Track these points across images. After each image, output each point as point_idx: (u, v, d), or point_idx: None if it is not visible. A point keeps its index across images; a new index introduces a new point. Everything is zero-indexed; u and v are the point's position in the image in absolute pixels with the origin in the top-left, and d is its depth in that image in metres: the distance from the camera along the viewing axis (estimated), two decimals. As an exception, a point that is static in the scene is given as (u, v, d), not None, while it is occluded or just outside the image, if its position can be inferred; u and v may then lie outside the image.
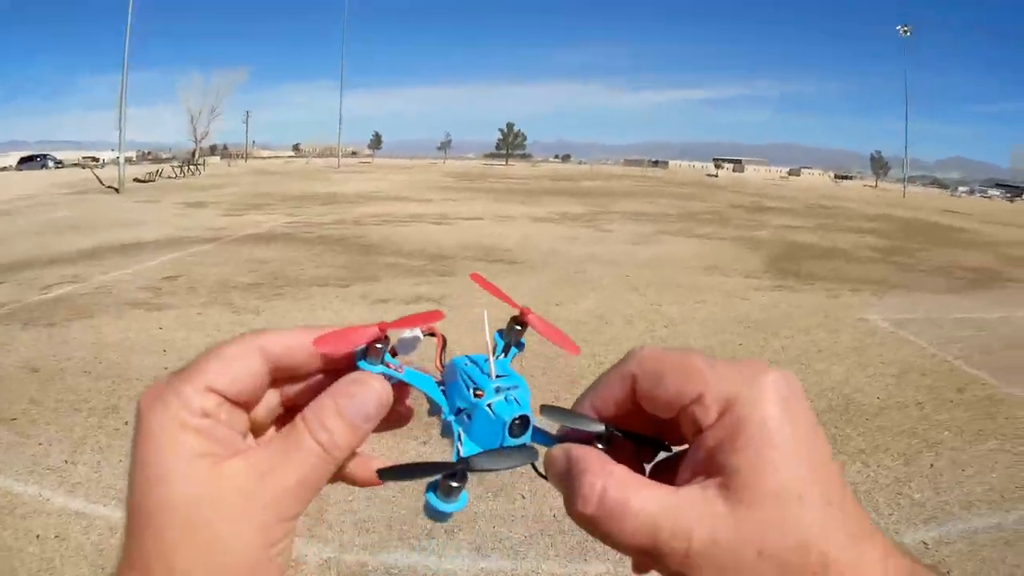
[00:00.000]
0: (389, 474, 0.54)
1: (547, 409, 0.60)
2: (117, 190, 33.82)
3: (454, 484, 0.54)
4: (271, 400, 0.61)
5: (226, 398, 0.56)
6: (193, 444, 0.53)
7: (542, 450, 0.58)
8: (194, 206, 25.81)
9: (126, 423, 5.83)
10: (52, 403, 6.33)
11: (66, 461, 5.22)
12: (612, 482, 0.50)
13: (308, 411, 0.56)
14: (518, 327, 0.66)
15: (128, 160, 42.67)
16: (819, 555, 0.46)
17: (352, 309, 10.07)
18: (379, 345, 0.58)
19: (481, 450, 0.57)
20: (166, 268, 12.87)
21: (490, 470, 0.55)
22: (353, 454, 0.58)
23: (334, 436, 0.55)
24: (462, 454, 0.56)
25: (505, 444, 0.57)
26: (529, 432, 0.58)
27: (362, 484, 0.62)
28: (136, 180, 41.57)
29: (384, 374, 0.58)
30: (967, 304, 12.44)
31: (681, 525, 0.47)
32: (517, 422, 0.57)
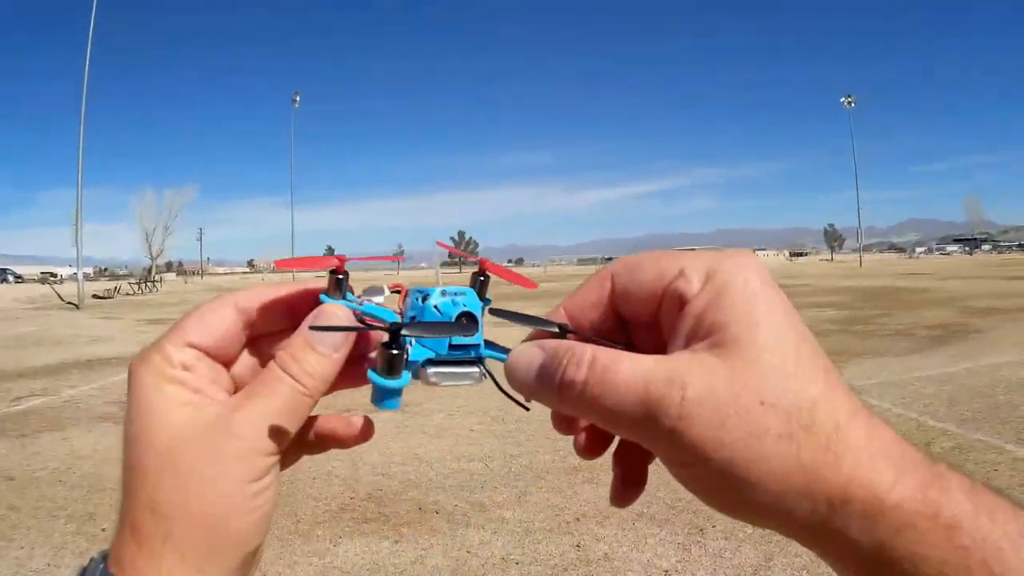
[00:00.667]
0: (322, 329, 0.57)
1: (496, 311, 0.63)
2: (77, 306, 33.69)
3: (394, 353, 0.56)
4: (251, 360, 0.64)
5: (205, 352, 0.59)
6: (174, 394, 0.56)
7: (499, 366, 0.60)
8: (155, 323, 25.59)
9: (103, 529, 5.85)
10: (31, 509, 6.31)
11: (49, 564, 5.21)
12: (600, 350, 0.50)
13: (280, 351, 0.59)
14: (481, 279, 0.67)
15: (86, 276, 42.33)
16: (828, 415, 0.45)
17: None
18: (340, 276, 0.61)
19: (432, 352, 0.59)
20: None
21: (421, 335, 0.57)
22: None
23: (304, 366, 0.57)
24: (409, 358, 0.58)
25: (453, 342, 0.59)
26: (480, 336, 0.61)
27: (349, 442, 0.66)
28: (95, 296, 41.85)
29: (353, 310, 0.61)
30: (931, 361, 12.49)
31: (675, 377, 0.46)
32: (464, 320, 0.60)
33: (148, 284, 57.73)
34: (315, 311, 0.60)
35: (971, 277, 37.01)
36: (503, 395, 0.60)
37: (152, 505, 0.53)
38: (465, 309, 0.61)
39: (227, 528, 0.54)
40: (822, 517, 0.45)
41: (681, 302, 0.51)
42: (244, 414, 0.55)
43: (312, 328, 0.58)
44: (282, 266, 0.65)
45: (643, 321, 0.56)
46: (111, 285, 53.26)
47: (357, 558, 5.39)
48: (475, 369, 0.62)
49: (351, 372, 0.62)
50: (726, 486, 0.46)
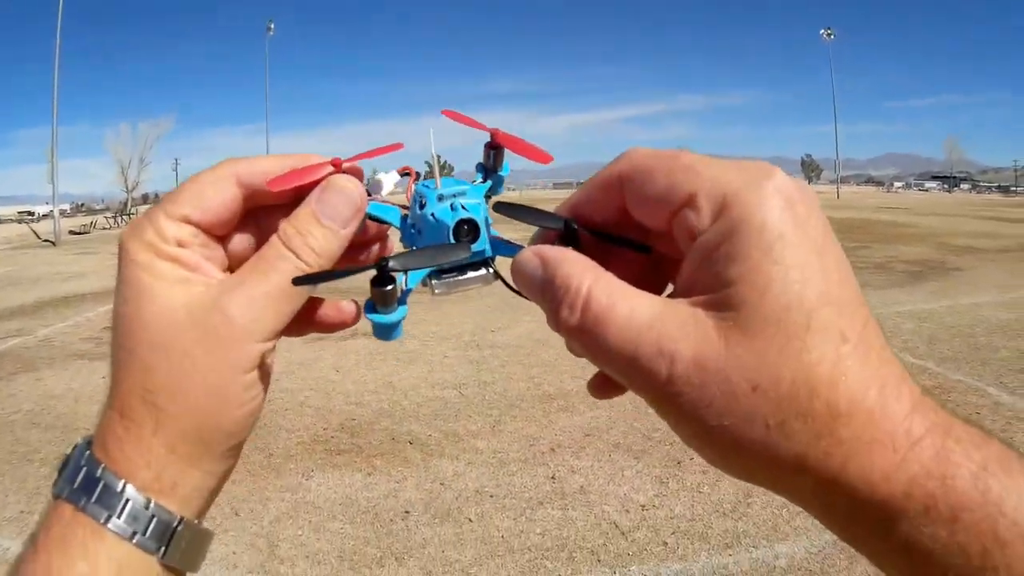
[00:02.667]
0: (306, 280, 0.52)
1: (501, 206, 0.59)
2: (54, 243, 33.58)
3: (386, 288, 0.52)
4: (249, 235, 0.59)
5: (200, 227, 0.54)
6: (167, 270, 0.52)
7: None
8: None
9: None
10: (4, 454, 6.24)
11: (22, 511, 5.13)
12: (599, 285, 0.45)
13: (282, 224, 0.54)
14: (493, 151, 0.62)
15: (62, 213, 42.27)
16: (825, 404, 0.40)
17: (292, 342, 9.94)
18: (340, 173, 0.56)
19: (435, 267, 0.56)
20: (107, 318, 12.56)
21: (411, 266, 0.53)
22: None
23: (308, 240, 0.53)
24: (408, 285, 0.56)
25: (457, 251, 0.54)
26: (484, 240, 0.55)
27: (336, 325, 0.62)
28: (72, 232, 41.48)
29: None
30: (910, 297, 12.53)
31: (665, 343, 0.42)
32: (465, 227, 0.54)
33: (124, 217, 57.47)
34: (323, 183, 0.56)
35: (950, 215, 37.00)
36: (514, 292, 0.55)
37: (143, 392, 0.50)
38: (465, 215, 0.54)
39: (219, 419, 0.52)
40: (810, 498, 0.42)
41: (691, 235, 0.44)
42: (241, 296, 0.52)
43: (319, 203, 0.54)
44: (277, 187, 0.54)
45: (657, 230, 0.49)
46: (88, 220, 53.26)
47: (330, 492, 5.35)
48: (482, 271, 0.58)
49: (354, 257, 0.61)
50: (716, 458, 0.44)
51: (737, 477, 0.44)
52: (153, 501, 0.50)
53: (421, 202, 0.57)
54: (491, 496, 5.22)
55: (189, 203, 0.54)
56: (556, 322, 0.47)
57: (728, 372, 0.41)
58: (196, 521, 0.53)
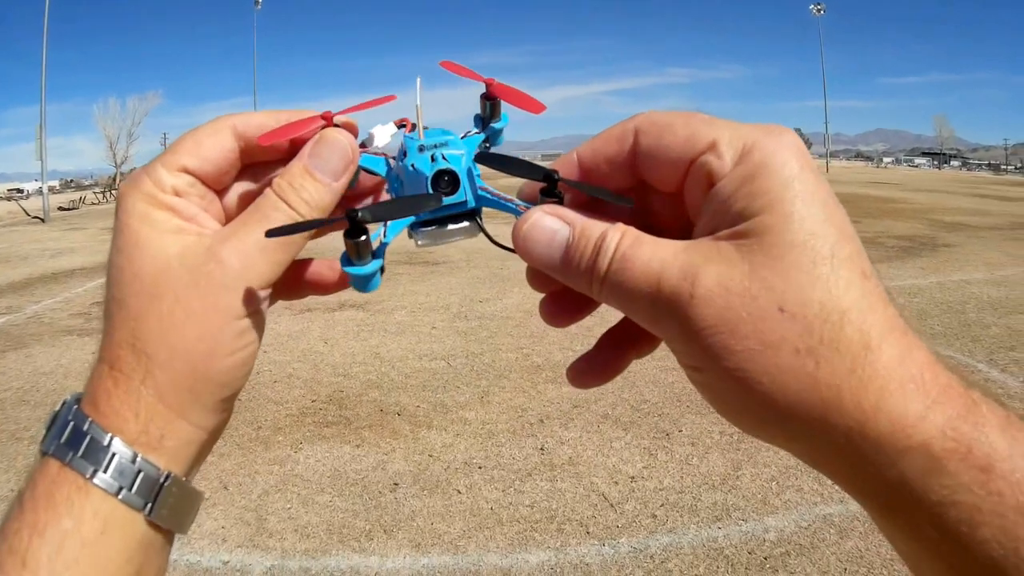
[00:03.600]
0: (279, 232, 0.51)
1: (483, 156, 0.57)
2: (43, 220, 33.30)
3: (359, 240, 0.51)
4: (245, 189, 0.59)
5: (199, 178, 0.54)
6: (162, 219, 0.52)
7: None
8: (119, 229, 25.35)
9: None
10: (-6, 433, 6.22)
11: (12, 490, 5.04)
12: (625, 236, 0.46)
13: (276, 178, 0.54)
14: (490, 102, 0.61)
15: (51, 189, 42.20)
16: (858, 332, 0.40)
17: (279, 314, 9.93)
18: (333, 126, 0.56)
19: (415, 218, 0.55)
20: (95, 294, 12.59)
21: (380, 217, 0.52)
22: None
23: (301, 193, 0.53)
24: (385, 238, 0.55)
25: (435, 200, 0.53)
26: (465, 191, 0.55)
27: (331, 285, 0.61)
28: (61, 208, 41.11)
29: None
30: (900, 272, 12.59)
31: (688, 268, 0.42)
32: (445, 178, 0.54)
33: (113, 192, 56.63)
34: (315, 136, 0.55)
35: (940, 191, 37.15)
36: (496, 246, 0.56)
37: (133, 340, 0.49)
38: (444, 166, 0.54)
39: (210, 367, 0.50)
40: (841, 448, 0.40)
41: (710, 179, 0.45)
42: (235, 243, 0.51)
43: (311, 156, 0.54)
44: (268, 141, 0.55)
45: (664, 189, 0.50)
46: (76, 196, 53.10)
47: (318, 464, 5.36)
48: (465, 223, 0.56)
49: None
50: (735, 398, 0.42)
51: (756, 427, 0.44)
52: (140, 455, 0.49)
53: (404, 153, 0.56)
54: (480, 468, 5.22)
55: (187, 153, 0.54)
56: (586, 270, 0.46)
57: (754, 292, 0.40)
58: (185, 479, 0.52)
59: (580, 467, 5.18)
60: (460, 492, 4.90)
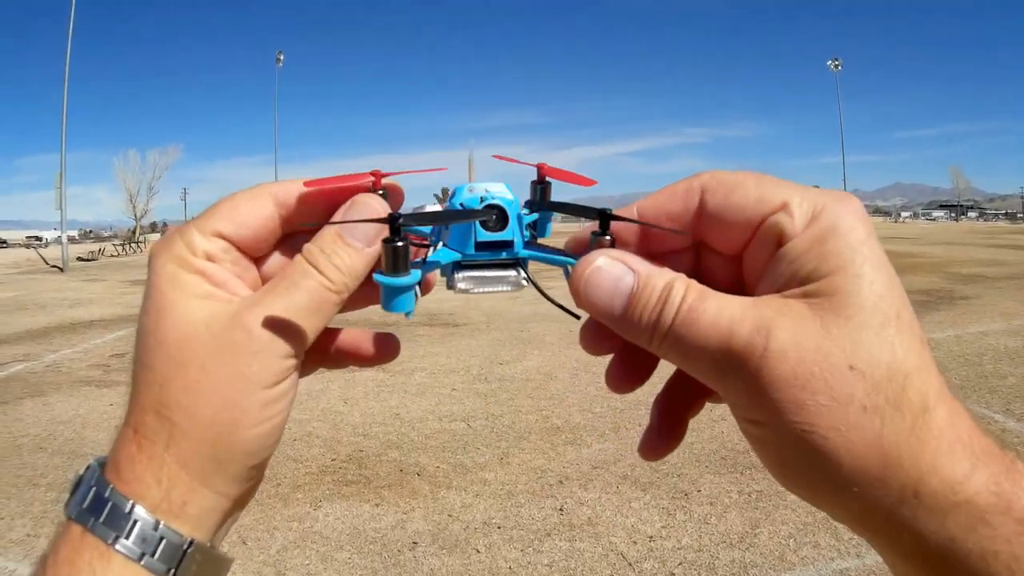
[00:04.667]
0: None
1: (531, 203, 0.59)
2: (62, 269, 33.49)
3: (396, 245, 0.50)
4: (284, 259, 0.58)
5: (234, 244, 0.54)
6: (191, 283, 0.51)
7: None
8: (138, 283, 25.17)
9: (83, 497, 5.80)
10: (11, 478, 6.24)
11: (28, 534, 5.15)
12: (692, 286, 0.46)
13: (308, 245, 0.53)
14: (541, 186, 0.61)
15: (70, 239, 42.24)
16: (919, 395, 0.42)
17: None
18: (379, 193, 0.56)
19: (459, 253, 0.54)
20: (114, 345, 12.71)
21: (424, 222, 0.55)
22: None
23: (332, 259, 0.52)
24: (433, 257, 0.54)
25: (480, 239, 0.53)
26: (514, 231, 0.53)
27: (371, 359, 0.61)
28: (79, 259, 41.32)
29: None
30: (917, 327, 12.48)
31: (762, 324, 0.43)
32: (494, 215, 0.53)
33: (132, 245, 57.47)
34: (348, 201, 0.55)
35: (957, 243, 37.05)
36: (549, 303, 0.58)
37: (158, 406, 0.49)
38: (493, 200, 0.53)
39: (235, 436, 0.50)
40: (891, 506, 0.41)
41: (780, 240, 0.46)
42: (261, 310, 0.50)
43: (343, 220, 0.54)
44: (311, 186, 0.55)
45: (726, 250, 0.51)
46: (95, 247, 53.31)
47: (337, 522, 5.34)
48: (512, 272, 0.55)
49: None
50: (797, 455, 0.43)
51: (811, 486, 0.44)
52: (162, 523, 0.49)
53: (452, 196, 0.56)
54: (499, 527, 5.21)
55: (223, 217, 0.54)
56: (650, 321, 0.46)
57: (827, 349, 0.41)
58: (209, 545, 0.52)
59: (599, 527, 5.15)
60: (479, 552, 4.88)
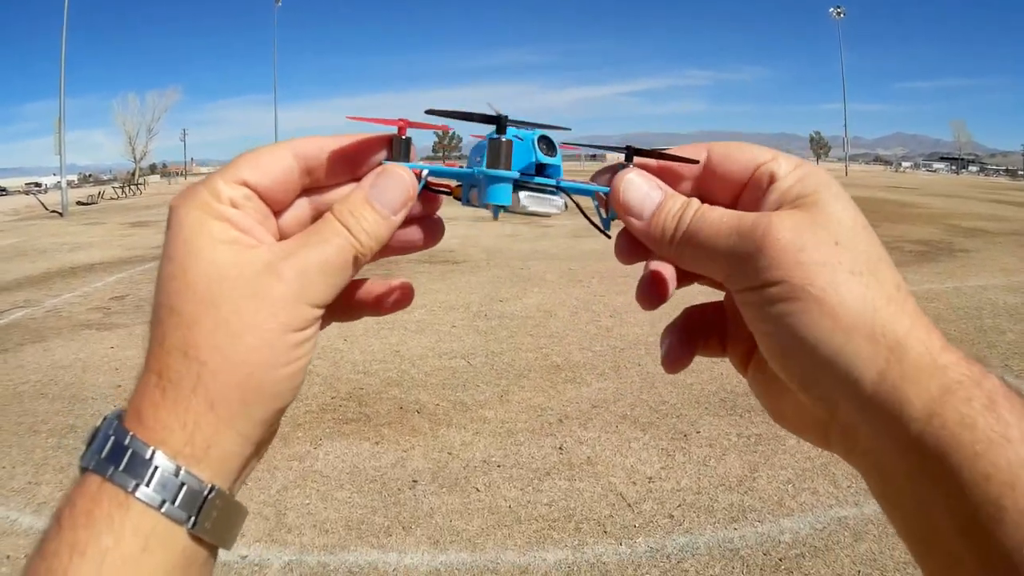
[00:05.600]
0: (438, 113, 0.56)
1: (567, 143, 0.66)
2: (61, 214, 33.50)
3: (503, 140, 0.57)
4: (302, 212, 0.60)
5: (257, 192, 0.55)
6: (218, 229, 0.52)
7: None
8: (138, 225, 25.64)
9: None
10: (12, 426, 6.28)
11: (30, 482, 5.18)
12: (702, 205, 0.56)
13: (337, 204, 0.56)
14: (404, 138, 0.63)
15: (70, 184, 42.31)
16: (891, 274, 0.50)
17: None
18: (404, 139, 0.59)
19: (518, 176, 0.59)
20: (114, 288, 12.78)
21: (521, 126, 0.60)
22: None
23: (361, 222, 0.55)
24: (509, 175, 0.58)
25: (539, 160, 0.59)
26: (555, 149, 0.60)
27: (386, 307, 0.64)
28: (79, 203, 41.28)
29: (412, 168, 0.58)
30: (916, 277, 12.51)
31: (762, 216, 0.51)
32: (544, 144, 0.60)
33: (132, 187, 57.79)
34: (378, 169, 0.58)
35: (957, 196, 36.92)
36: (586, 220, 0.63)
37: (185, 347, 0.49)
38: (542, 133, 0.60)
39: (263, 378, 0.51)
40: (881, 371, 0.46)
41: (771, 179, 0.55)
42: (295, 261, 0.52)
43: (373, 188, 0.56)
44: (353, 119, 0.60)
45: (721, 198, 0.59)
46: (95, 191, 53.15)
47: (337, 461, 5.39)
48: (559, 197, 0.61)
49: (402, 240, 0.62)
50: (800, 317, 0.48)
51: (810, 361, 0.48)
52: (184, 468, 0.48)
53: (496, 128, 0.59)
54: (498, 466, 5.25)
55: (246, 166, 0.55)
56: (669, 229, 0.55)
57: (816, 229, 0.50)
58: (228, 492, 0.52)
59: (598, 467, 5.20)
60: (479, 490, 4.93)
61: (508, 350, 8.04)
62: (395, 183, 0.57)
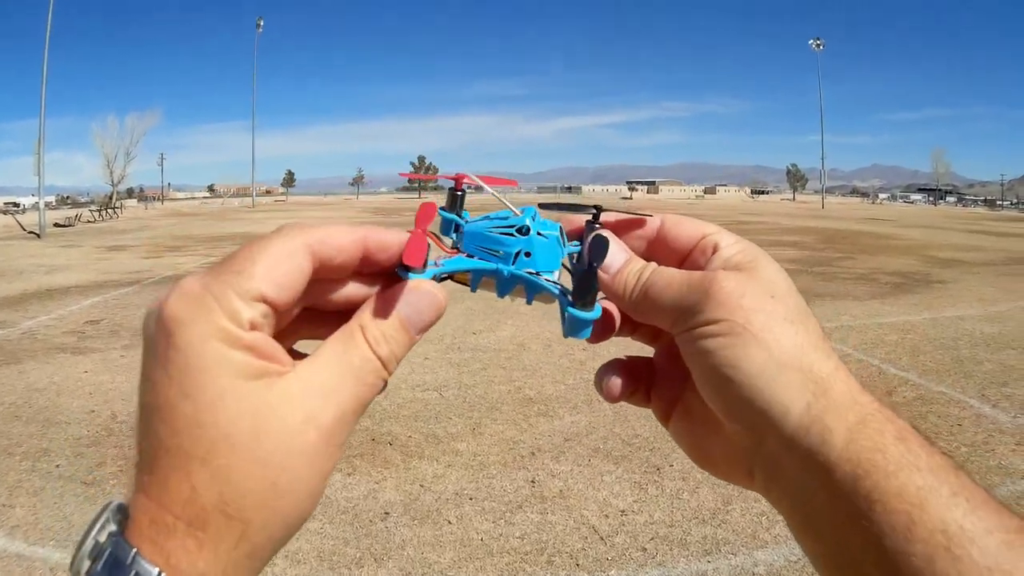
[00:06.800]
0: (580, 300, 0.60)
1: (543, 205, 0.71)
2: (38, 235, 33.34)
3: (595, 282, 0.61)
4: (304, 308, 0.56)
5: (273, 308, 0.49)
6: (243, 363, 0.47)
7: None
8: (114, 249, 25.54)
9: (57, 466, 5.77)
10: (-15, 449, 6.18)
11: (3, 504, 5.11)
12: (649, 266, 0.63)
13: (368, 323, 0.53)
14: (459, 193, 0.68)
15: (47, 205, 42.12)
16: (817, 328, 0.57)
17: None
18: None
19: (552, 271, 0.63)
20: (89, 312, 12.69)
21: (603, 258, 0.61)
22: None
23: (393, 349, 0.53)
24: (552, 280, 0.63)
25: (562, 255, 0.65)
26: (565, 239, 0.67)
27: None
28: (56, 225, 41.13)
29: (433, 276, 0.58)
30: (893, 308, 12.62)
31: (707, 273, 0.59)
32: (560, 235, 0.65)
33: (109, 211, 57.62)
34: (410, 286, 0.55)
35: (935, 227, 37.46)
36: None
37: (223, 505, 0.46)
38: (559, 225, 0.65)
39: (301, 521, 0.50)
40: (808, 403, 0.52)
41: (714, 249, 0.62)
42: (333, 408, 0.50)
43: (409, 309, 0.55)
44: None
45: (668, 263, 0.65)
46: (72, 213, 52.93)
47: (309, 491, 5.27)
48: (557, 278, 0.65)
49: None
50: (741, 354, 0.54)
51: (745, 397, 0.54)
52: None
53: (520, 230, 0.62)
54: (471, 499, 5.22)
55: (265, 279, 0.49)
56: (630, 286, 0.62)
57: (754, 284, 0.57)
58: None
59: (571, 500, 5.18)
60: (451, 523, 4.89)
61: (481, 383, 8.02)
62: (430, 304, 0.56)
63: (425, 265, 0.56)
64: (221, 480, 0.46)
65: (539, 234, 0.62)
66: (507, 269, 0.61)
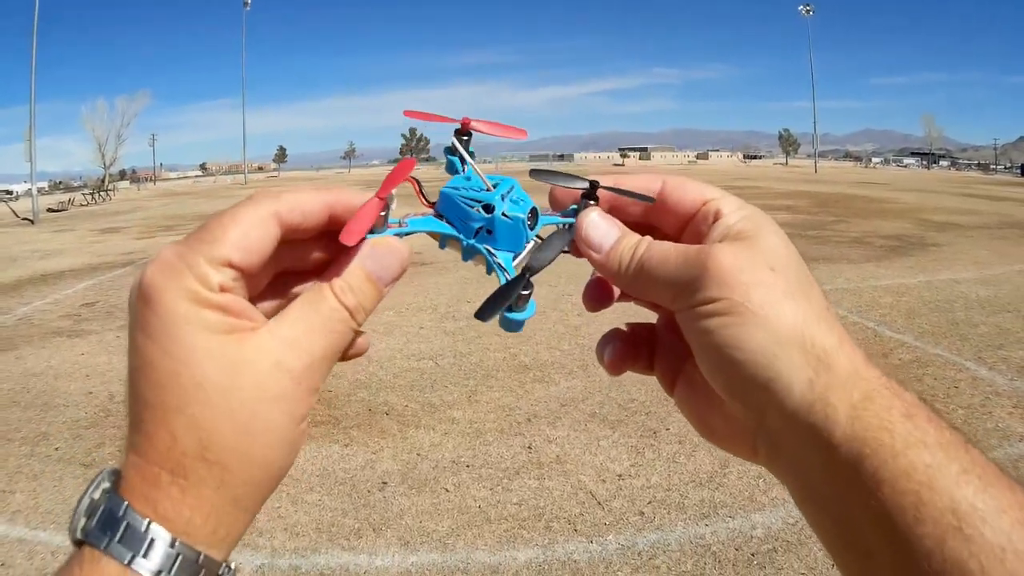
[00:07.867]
0: (484, 314, 0.60)
1: (535, 172, 0.69)
2: (32, 221, 33.35)
3: (525, 293, 0.60)
4: (269, 268, 0.58)
5: (242, 272, 0.53)
6: (215, 321, 0.50)
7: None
8: (108, 232, 25.50)
9: (56, 449, 5.79)
10: (-16, 436, 6.19)
11: (3, 490, 5.12)
12: (645, 240, 0.61)
13: (334, 278, 0.56)
14: (464, 137, 0.68)
15: (40, 191, 42.07)
16: (820, 298, 0.55)
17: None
18: (383, 213, 0.59)
19: (512, 253, 0.63)
20: (85, 295, 12.69)
21: (546, 265, 0.61)
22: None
23: (360, 300, 0.55)
24: (504, 266, 0.62)
25: (528, 239, 0.64)
26: (538, 219, 0.65)
27: (357, 354, 0.62)
28: (50, 210, 41.16)
29: (397, 235, 0.59)
30: (888, 271, 12.61)
31: (704, 246, 0.56)
32: (530, 216, 0.63)
33: (102, 193, 57.74)
34: (372, 242, 0.58)
35: (929, 191, 37.30)
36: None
37: (202, 451, 0.49)
38: (530, 207, 0.64)
39: (278, 466, 0.53)
40: (810, 379, 0.50)
41: (716, 216, 0.60)
42: (301, 353, 0.53)
43: (374, 262, 0.57)
44: (352, 240, 0.55)
45: (669, 231, 0.65)
46: (65, 198, 53.35)
47: (307, 464, 5.36)
48: (561, 239, 0.64)
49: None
50: (741, 329, 0.52)
51: (744, 374, 0.52)
52: (203, 554, 0.49)
53: (486, 207, 0.62)
54: (468, 466, 5.24)
55: (233, 245, 0.52)
56: (624, 263, 0.60)
57: (754, 256, 0.54)
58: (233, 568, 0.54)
59: (568, 465, 5.19)
60: (448, 490, 4.91)
61: (476, 351, 8.04)
62: (395, 257, 0.58)
63: (386, 225, 0.59)
64: (197, 426, 0.49)
65: (504, 215, 0.62)
66: (467, 241, 0.63)
